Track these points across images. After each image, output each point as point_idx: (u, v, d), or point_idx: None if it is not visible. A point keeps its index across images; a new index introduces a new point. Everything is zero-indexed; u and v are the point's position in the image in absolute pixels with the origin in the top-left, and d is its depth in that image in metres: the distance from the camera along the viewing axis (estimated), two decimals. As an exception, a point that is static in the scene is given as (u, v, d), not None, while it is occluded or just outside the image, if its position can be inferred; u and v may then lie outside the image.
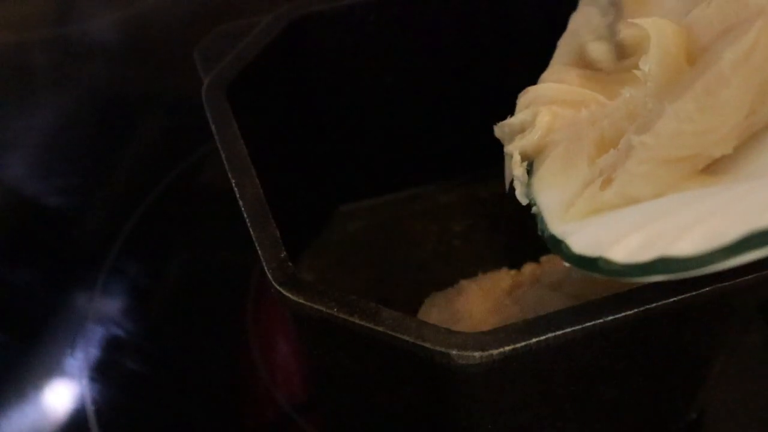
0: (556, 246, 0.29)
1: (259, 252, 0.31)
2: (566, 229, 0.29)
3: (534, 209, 0.31)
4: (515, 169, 0.33)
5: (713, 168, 0.27)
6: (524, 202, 0.32)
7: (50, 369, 0.45)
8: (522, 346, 0.28)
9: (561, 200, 0.30)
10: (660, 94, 0.29)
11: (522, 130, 0.33)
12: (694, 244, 0.24)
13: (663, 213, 0.26)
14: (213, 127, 0.37)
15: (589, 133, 0.31)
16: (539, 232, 0.30)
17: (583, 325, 0.29)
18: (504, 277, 0.41)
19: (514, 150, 0.33)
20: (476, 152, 0.48)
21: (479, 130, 0.45)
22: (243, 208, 0.33)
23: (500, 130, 0.34)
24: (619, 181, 0.28)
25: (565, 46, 0.36)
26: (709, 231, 0.23)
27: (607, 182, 0.29)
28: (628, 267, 0.25)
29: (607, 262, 0.26)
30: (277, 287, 0.30)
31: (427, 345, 0.28)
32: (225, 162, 0.35)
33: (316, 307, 0.30)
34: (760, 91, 0.26)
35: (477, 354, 0.28)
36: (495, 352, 0.28)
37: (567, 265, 0.28)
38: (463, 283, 0.42)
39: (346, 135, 0.47)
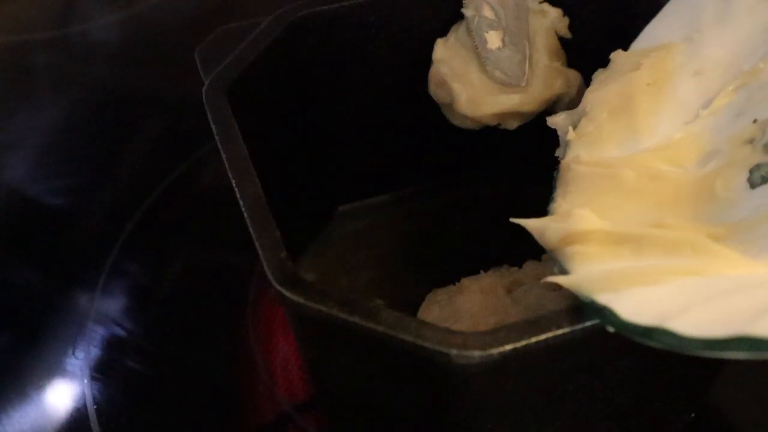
0: (598, 313, 0.28)
1: (259, 252, 0.31)
2: (608, 296, 0.28)
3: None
4: None
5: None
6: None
7: (51, 369, 0.45)
8: (522, 346, 0.28)
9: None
10: None
11: None
12: None
13: (724, 291, 0.26)
14: (213, 128, 0.37)
15: None
16: (582, 299, 0.29)
17: (583, 325, 0.29)
18: (505, 275, 0.41)
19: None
20: (476, 152, 0.48)
21: (479, 130, 0.45)
22: (243, 208, 0.33)
23: None
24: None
25: None
26: None
27: None
28: (698, 341, 0.25)
29: (669, 333, 0.25)
30: (277, 287, 0.30)
31: (427, 345, 0.28)
32: (225, 162, 0.35)
33: (316, 307, 0.30)
34: None
35: (477, 354, 0.28)
36: (495, 351, 0.28)
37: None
38: (464, 281, 0.41)
39: (346, 135, 0.47)
